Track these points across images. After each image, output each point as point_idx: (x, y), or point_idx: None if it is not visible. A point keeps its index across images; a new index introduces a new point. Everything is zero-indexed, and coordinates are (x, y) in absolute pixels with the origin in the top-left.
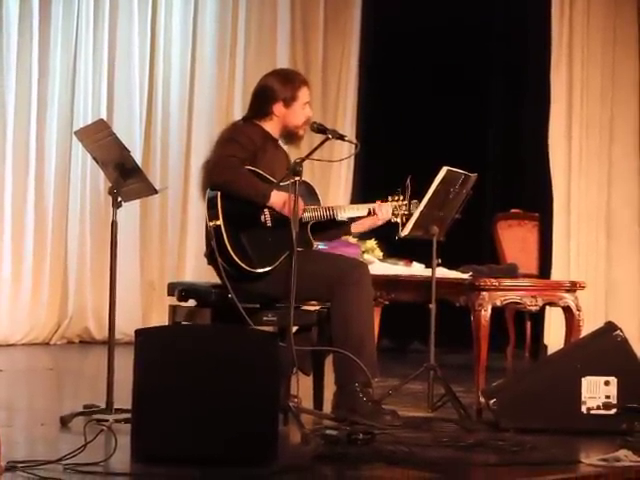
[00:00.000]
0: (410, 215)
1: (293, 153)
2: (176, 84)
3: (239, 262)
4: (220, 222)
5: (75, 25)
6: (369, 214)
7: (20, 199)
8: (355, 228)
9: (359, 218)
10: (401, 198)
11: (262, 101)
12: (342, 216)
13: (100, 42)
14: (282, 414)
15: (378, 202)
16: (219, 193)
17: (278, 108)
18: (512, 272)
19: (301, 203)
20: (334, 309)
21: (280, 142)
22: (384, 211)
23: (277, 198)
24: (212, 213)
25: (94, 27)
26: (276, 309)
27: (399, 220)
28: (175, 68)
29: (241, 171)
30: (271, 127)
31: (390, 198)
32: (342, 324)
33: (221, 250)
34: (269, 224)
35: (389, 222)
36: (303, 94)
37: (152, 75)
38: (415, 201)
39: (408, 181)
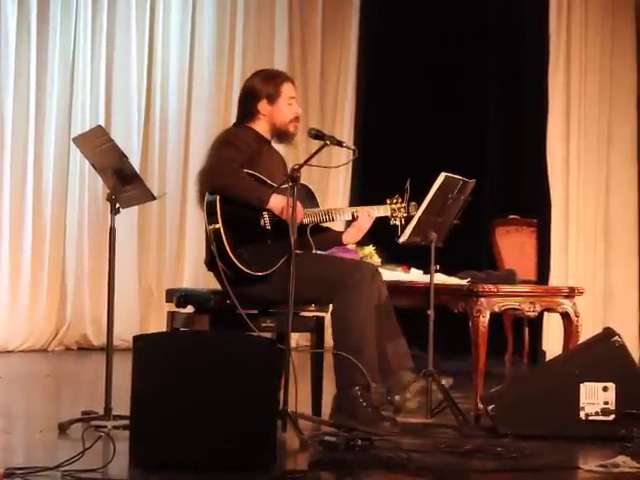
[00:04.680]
0: (409, 217)
1: (291, 156)
2: (174, 91)
3: (239, 265)
4: (219, 225)
5: (73, 33)
6: (353, 218)
7: (18, 205)
8: (346, 239)
9: (349, 224)
10: (400, 200)
11: (247, 102)
12: (340, 218)
13: (98, 48)
14: (280, 420)
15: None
16: (218, 197)
17: (263, 106)
18: (510, 278)
19: (301, 209)
20: (335, 312)
21: (273, 143)
22: (364, 214)
23: (276, 202)
24: (211, 217)
25: (92, 35)
26: (274, 315)
27: (398, 223)
28: (173, 75)
29: (240, 175)
30: (261, 128)
31: (389, 201)
32: (342, 327)
33: (221, 253)
34: (268, 227)
35: (388, 225)
36: (286, 89)
37: (150, 81)
38: (414, 203)
39: (407, 184)
